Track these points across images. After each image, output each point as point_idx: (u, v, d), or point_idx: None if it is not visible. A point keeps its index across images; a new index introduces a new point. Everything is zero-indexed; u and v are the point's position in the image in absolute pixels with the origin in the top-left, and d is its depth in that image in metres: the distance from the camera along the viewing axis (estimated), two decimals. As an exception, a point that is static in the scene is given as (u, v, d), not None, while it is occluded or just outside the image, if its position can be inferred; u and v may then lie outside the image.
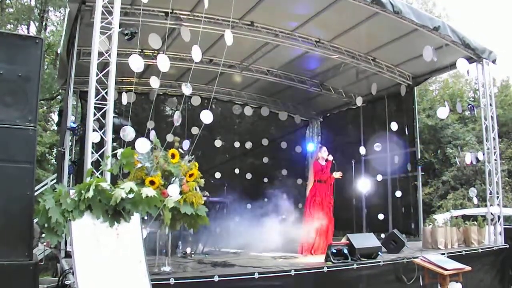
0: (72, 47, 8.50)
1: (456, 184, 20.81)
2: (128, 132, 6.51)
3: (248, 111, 14.31)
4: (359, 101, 12.53)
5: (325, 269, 6.23)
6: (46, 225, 3.91)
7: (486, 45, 10.33)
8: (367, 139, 12.78)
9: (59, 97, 20.20)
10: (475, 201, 10.40)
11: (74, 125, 9.06)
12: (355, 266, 6.57)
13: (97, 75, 6.10)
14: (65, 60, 9.56)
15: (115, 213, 4.07)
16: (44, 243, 9.27)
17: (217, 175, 13.23)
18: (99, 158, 6.12)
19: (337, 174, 9.00)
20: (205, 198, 5.97)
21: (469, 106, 10.92)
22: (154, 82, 7.62)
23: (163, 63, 6.02)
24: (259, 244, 8.40)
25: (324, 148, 9.34)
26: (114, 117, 6.31)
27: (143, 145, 5.47)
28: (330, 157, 9.06)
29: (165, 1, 7.90)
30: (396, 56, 11.21)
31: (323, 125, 15.87)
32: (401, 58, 11.31)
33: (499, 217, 9.82)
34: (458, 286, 6.57)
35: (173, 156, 5.69)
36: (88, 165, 5.90)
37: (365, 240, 7.42)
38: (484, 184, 10.41)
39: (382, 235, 9.53)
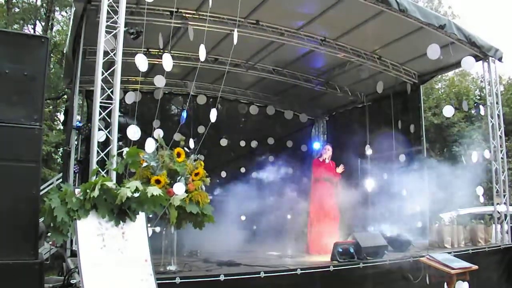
0: (77, 46, 8.52)
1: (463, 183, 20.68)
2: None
3: (253, 110, 14.29)
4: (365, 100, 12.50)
5: (331, 268, 6.22)
6: (51, 225, 3.92)
7: (492, 43, 10.30)
8: (373, 137, 12.74)
9: (65, 96, 20.25)
10: (482, 199, 10.35)
11: (80, 124, 9.09)
12: (361, 265, 6.56)
13: (103, 74, 6.10)
14: (70, 59, 9.58)
15: (121, 212, 4.08)
16: (50, 242, 9.29)
17: (223, 174, 13.23)
18: (104, 157, 6.13)
19: (340, 169, 8.98)
20: (210, 197, 5.97)
21: (475, 104, 10.87)
22: (159, 81, 7.64)
23: (167, 62, 6.02)
24: (265, 243, 8.40)
25: (327, 146, 9.35)
26: (119, 116, 6.32)
27: (151, 145, 5.48)
28: (326, 155, 9.06)
29: (170, 0, 7.88)
30: (401, 55, 11.17)
31: (329, 123, 15.82)
32: (406, 56, 11.26)
33: (505, 215, 9.78)
34: (465, 285, 6.55)
35: (178, 155, 5.70)
36: (93, 165, 5.91)
37: (371, 239, 7.39)
38: (491, 182, 10.35)
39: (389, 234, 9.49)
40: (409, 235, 8.61)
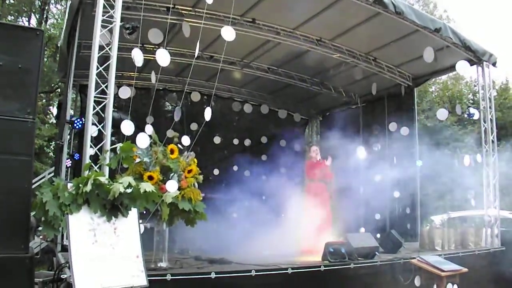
0: (72, 40, 8.47)
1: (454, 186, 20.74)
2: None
3: (247, 108, 14.29)
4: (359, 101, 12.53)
5: (322, 268, 6.23)
6: (43, 219, 3.90)
7: (487, 47, 10.34)
8: (366, 139, 12.77)
9: (58, 90, 20.16)
10: (473, 203, 10.38)
11: (73, 119, 9.04)
12: (352, 265, 6.58)
13: (98, 68, 6.07)
14: (65, 53, 9.53)
15: (113, 207, 4.07)
16: (41, 236, 9.24)
17: (216, 171, 13.22)
18: (97, 152, 6.10)
19: (328, 162, 9.06)
20: (202, 194, 5.96)
21: (467, 108, 10.93)
22: (153, 78, 7.63)
23: (163, 57, 5.99)
24: (257, 241, 8.38)
25: (313, 148, 9.40)
26: (113, 111, 6.30)
27: (143, 140, 5.46)
28: (318, 157, 9.12)
29: (167, -4, 7.89)
30: (396, 57, 11.20)
31: (323, 124, 15.83)
32: (401, 58, 11.30)
33: (496, 219, 9.83)
34: (455, 288, 6.59)
35: (172, 151, 5.69)
36: (86, 159, 5.88)
37: (363, 239, 7.42)
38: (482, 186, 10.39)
39: (378, 235, 9.53)
40: (400, 237, 8.63)
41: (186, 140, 5.89)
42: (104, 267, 3.81)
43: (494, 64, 10.46)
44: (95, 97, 6.02)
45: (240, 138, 14.20)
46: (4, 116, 4.06)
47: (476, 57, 10.15)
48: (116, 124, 6.36)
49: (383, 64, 11.39)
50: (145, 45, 9.88)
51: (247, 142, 14.23)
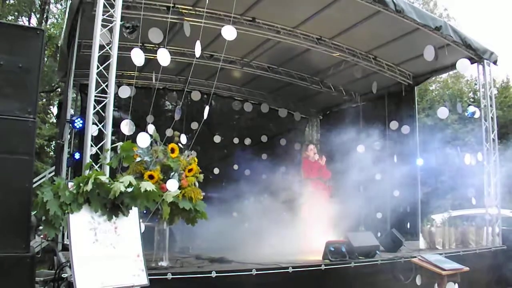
0: (73, 39, 8.47)
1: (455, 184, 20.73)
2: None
3: (247, 107, 14.31)
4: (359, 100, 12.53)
5: (323, 267, 6.23)
6: (44, 218, 3.89)
7: (487, 45, 10.33)
8: (366, 137, 12.74)
9: (58, 89, 20.15)
10: (474, 201, 10.37)
11: (74, 118, 9.05)
12: (352, 264, 6.57)
13: (98, 68, 6.07)
14: (65, 52, 9.53)
15: (114, 206, 4.06)
16: (41, 236, 9.24)
17: (216, 170, 13.21)
18: (98, 151, 6.10)
19: (322, 161, 9.06)
20: (203, 194, 5.95)
21: (468, 106, 10.92)
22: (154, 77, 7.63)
23: (164, 57, 5.98)
24: (258, 240, 8.38)
25: (310, 147, 9.39)
26: (113, 110, 6.30)
27: (143, 139, 5.45)
28: (316, 157, 9.12)
29: (167, -5, 7.88)
30: (397, 55, 11.19)
31: (323, 122, 15.84)
32: (402, 57, 11.29)
33: (497, 218, 9.82)
34: (455, 287, 6.57)
35: (172, 150, 5.68)
36: (87, 158, 5.88)
37: (364, 238, 7.41)
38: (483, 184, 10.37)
39: (379, 234, 9.51)
40: (401, 236, 8.62)
41: (183, 139, 5.88)
42: (105, 266, 3.81)
43: (495, 63, 10.47)
44: (95, 96, 6.02)
45: (240, 137, 14.20)
46: (5, 115, 4.05)
47: (477, 55, 10.15)
48: (117, 123, 6.37)
49: (383, 62, 11.40)
50: (145, 45, 9.88)
51: (247, 141, 14.23)
